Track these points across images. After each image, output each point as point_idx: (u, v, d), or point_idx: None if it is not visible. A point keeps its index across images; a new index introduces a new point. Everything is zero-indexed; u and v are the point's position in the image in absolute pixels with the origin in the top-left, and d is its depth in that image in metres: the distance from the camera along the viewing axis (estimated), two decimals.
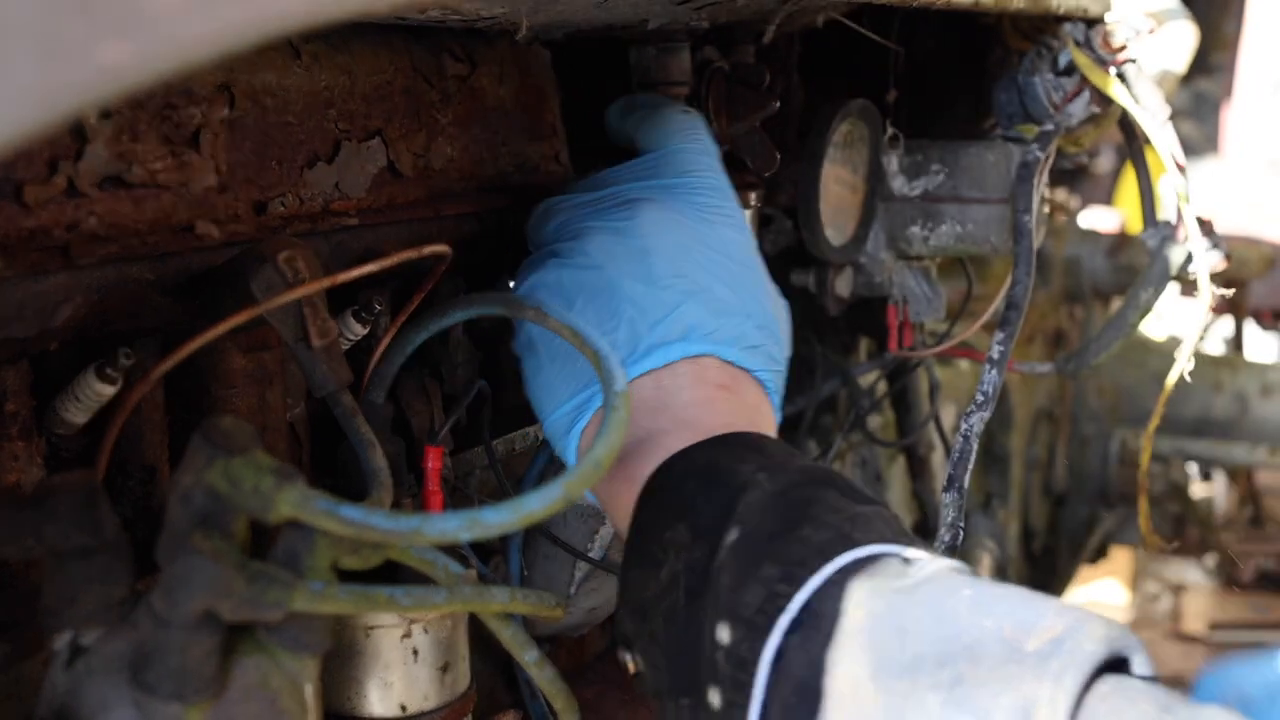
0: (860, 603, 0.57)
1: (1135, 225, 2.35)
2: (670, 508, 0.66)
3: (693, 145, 0.83)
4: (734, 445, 0.68)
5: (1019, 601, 0.57)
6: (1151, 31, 1.07)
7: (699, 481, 0.66)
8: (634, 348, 0.73)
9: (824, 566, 0.59)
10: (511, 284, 0.81)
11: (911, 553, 0.61)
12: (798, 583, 0.59)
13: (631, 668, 0.67)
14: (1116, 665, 0.55)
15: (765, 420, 0.76)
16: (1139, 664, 0.56)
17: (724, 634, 0.60)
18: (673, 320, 0.73)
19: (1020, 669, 0.53)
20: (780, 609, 0.58)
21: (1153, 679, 0.55)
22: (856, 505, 0.64)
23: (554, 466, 0.86)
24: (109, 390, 0.62)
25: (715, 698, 0.60)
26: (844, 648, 0.56)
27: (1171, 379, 1.09)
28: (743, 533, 0.62)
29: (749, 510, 0.63)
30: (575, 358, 0.73)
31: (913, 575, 0.58)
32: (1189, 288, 1.15)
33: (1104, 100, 1.08)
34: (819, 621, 0.57)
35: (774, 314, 0.80)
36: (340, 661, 0.64)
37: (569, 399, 0.74)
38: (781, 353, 0.79)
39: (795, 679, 0.57)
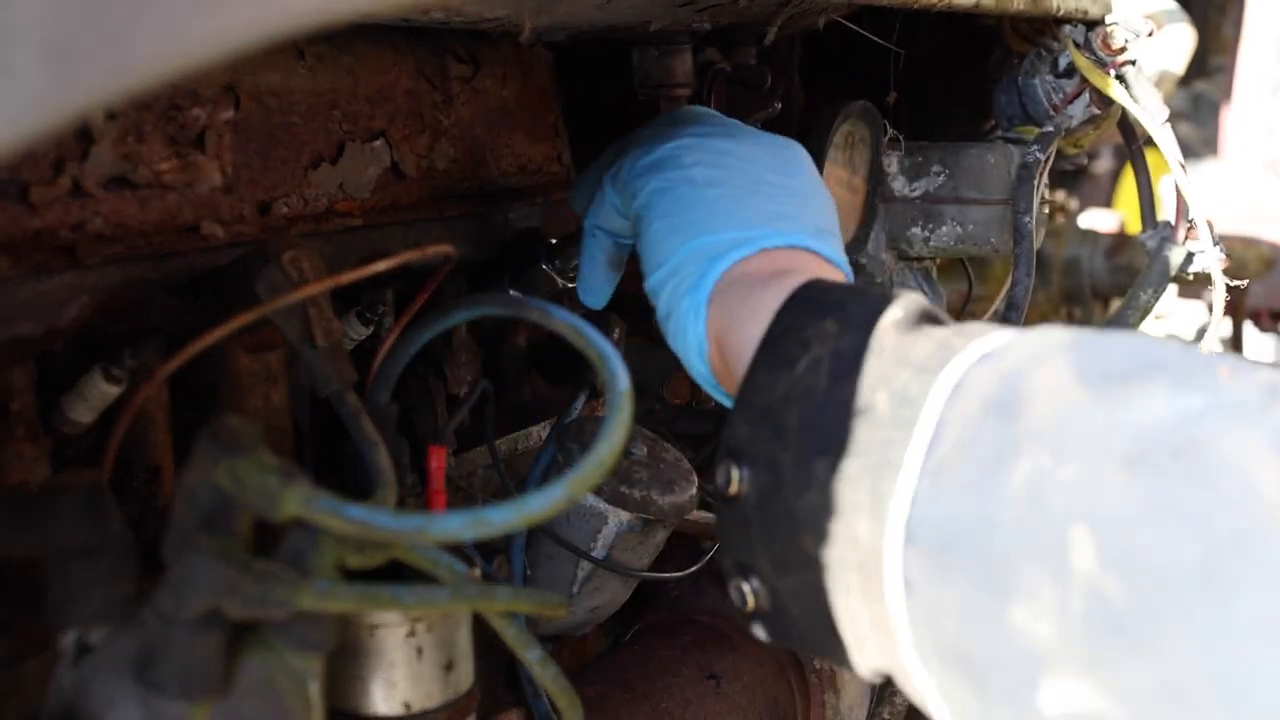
0: (1059, 331, 0.52)
1: (1134, 226, 2.36)
2: (817, 309, 0.61)
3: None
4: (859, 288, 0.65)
5: (1213, 356, 0.50)
6: (1151, 34, 1.08)
7: (850, 292, 0.62)
8: (782, 218, 0.72)
9: (1001, 331, 0.55)
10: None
11: None
12: (973, 337, 0.54)
13: (734, 487, 0.60)
14: None
15: None
16: None
17: (882, 381, 0.55)
18: (777, 213, 0.73)
19: (1248, 371, 0.47)
20: (957, 350, 0.54)
21: None
22: None
23: (556, 466, 0.87)
24: (114, 390, 0.62)
25: (866, 443, 0.54)
26: (1042, 358, 0.51)
27: None
28: (906, 314, 0.58)
29: (910, 302, 0.59)
30: (716, 200, 0.73)
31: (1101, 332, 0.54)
32: (1188, 288, 1.15)
33: (1104, 102, 1.08)
34: (1005, 352, 0.52)
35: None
36: (344, 660, 0.65)
37: (702, 236, 0.71)
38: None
39: (979, 397, 0.51)
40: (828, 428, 0.56)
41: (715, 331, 0.69)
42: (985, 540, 0.49)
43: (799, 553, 0.57)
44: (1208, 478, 0.44)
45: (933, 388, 0.53)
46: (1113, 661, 0.44)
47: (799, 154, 0.80)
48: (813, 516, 0.56)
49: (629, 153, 0.78)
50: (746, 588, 0.61)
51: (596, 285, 0.85)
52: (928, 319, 0.59)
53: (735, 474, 0.60)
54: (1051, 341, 0.52)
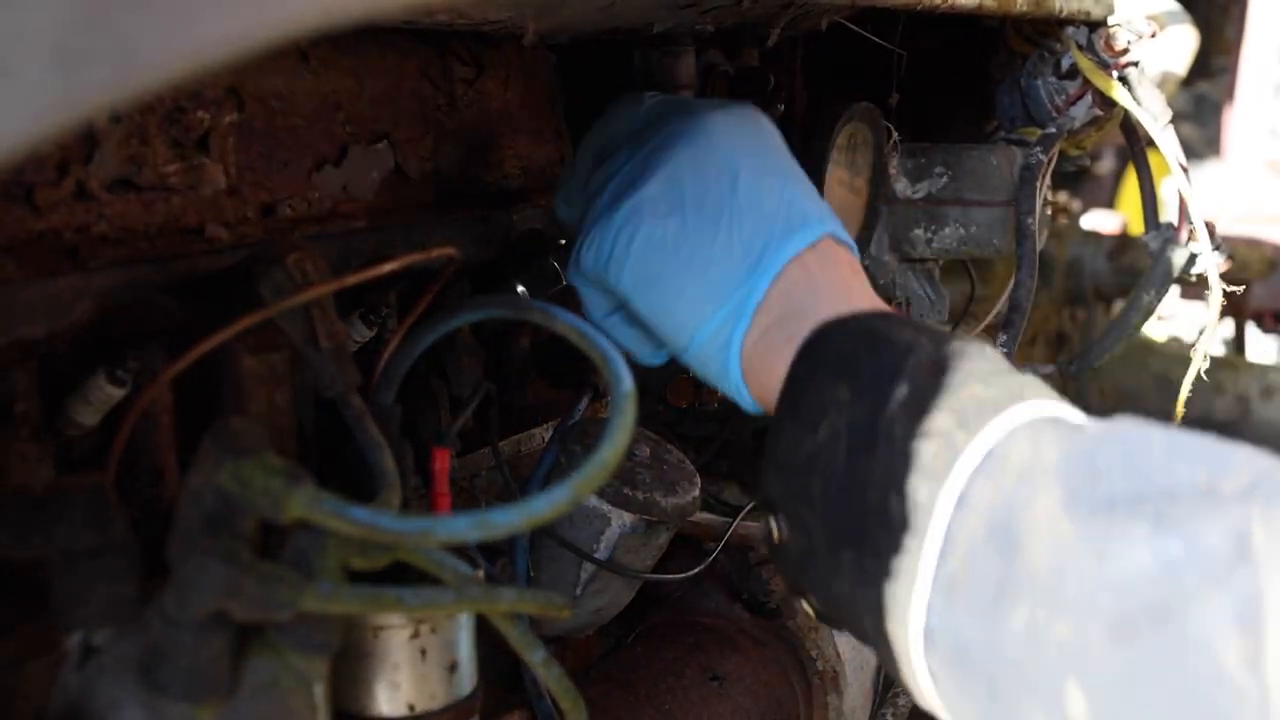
0: (1051, 443, 0.56)
1: (1137, 227, 2.36)
2: (830, 367, 0.64)
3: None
4: (888, 316, 0.67)
5: (1211, 447, 0.55)
6: (1153, 35, 1.08)
7: (860, 344, 0.64)
8: (769, 236, 0.72)
9: (1003, 413, 0.58)
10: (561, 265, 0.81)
11: (1082, 418, 0.60)
12: (975, 430, 0.57)
13: (776, 535, 0.66)
14: None
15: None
16: None
17: (896, 483, 0.59)
18: (793, 207, 0.73)
19: (1222, 505, 0.51)
20: (959, 452, 0.57)
21: None
22: (1018, 370, 0.63)
23: (559, 467, 0.87)
24: (119, 392, 0.62)
25: (885, 545, 0.58)
26: (1037, 484, 0.54)
27: (1188, 381, 1.09)
28: (913, 389, 0.61)
29: (916, 369, 0.61)
30: (704, 263, 0.72)
31: (1099, 424, 0.57)
32: (1191, 289, 1.15)
33: (1106, 103, 1.08)
34: (1004, 464, 0.56)
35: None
36: (348, 661, 0.65)
37: (716, 310, 0.72)
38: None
39: (983, 516, 0.56)
40: (850, 513, 0.61)
41: (750, 376, 0.73)
42: (993, 667, 0.55)
43: (842, 616, 0.65)
44: (1182, 655, 0.49)
45: (938, 499, 0.57)
46: None
47: (757, 122, 0.78)
48: (847, 601, 0.62)
49: (586, 233, 0.75)
50: (805, 604, 0.68)
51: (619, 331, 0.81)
52: (932, 383, 0.61)
53: (774, 523, 0.66)
54: (1044, 459, 0.56)
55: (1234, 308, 3.59)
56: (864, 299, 0.73)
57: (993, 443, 0.57)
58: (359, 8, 0.39)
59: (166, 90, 0.34)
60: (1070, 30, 1.07)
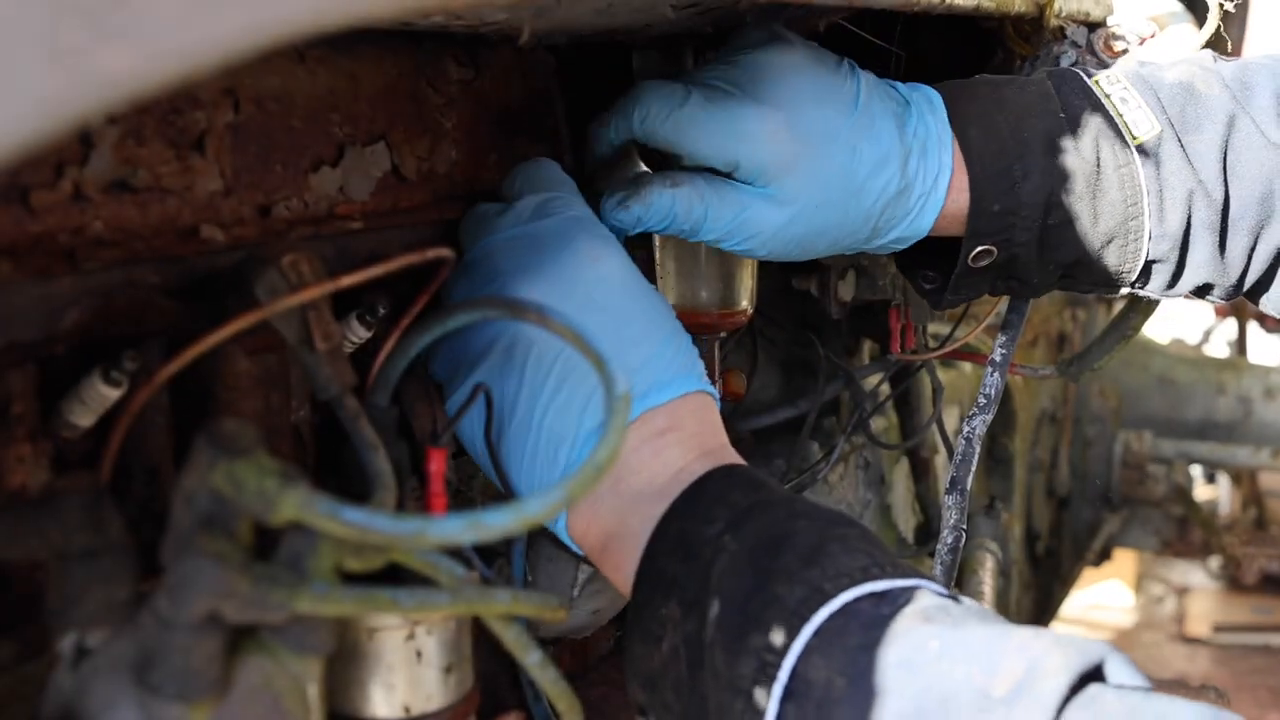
0: (839, 669, 0.61)
1: None
2: (660, 588, 0.70)
3: (551, 192, 0.84)
4: (698, 502, 0.72)
5: (981, 644, 0.59)
6: (1153, 35, 1.07)
7: (677, 558, 0.70)
8: (574, 438, 0.75)
9: (802, 629, 0.63)
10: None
11: (881, 585, 0.64)
12: (782, 652, 0.63)
13: None
14: (1094, 676, 0.58)
15: (708, 426, 0.79)
16: (1114, 668, 0.58)
17: (727, 705, 0.64)
18: (594, 395, 0.76)
19: (992, 717, 0.56)
20: (773, 678, 0.63)
21: (1132, 683, 0.58)
22: (825, 534, 0.67)
23: None
24: (114, 393, 0.62)
25: None
26: (832, 715, 0.60)
27: None
28: (723, 603, 0.66)
29: (724, 577, 0.67)
30: (538, 433, 0.75)
31: (882, 627, 0.62)
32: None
33: None
34: (809, 689, 0.62)
35: (670, 315, 0.81)
36: (344, 663, 0.65)
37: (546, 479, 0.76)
38: (693, 350, 0.81)
39: None
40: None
41: (572, 530, 0.78)
42: None
43: None
44: None
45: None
46: None
47: (596, 262, 0.79)
48: None
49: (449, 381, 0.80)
50: None
51: None
52: (741, 588, 0.66)
53: None
54: (836, 686, 0.61)
55: (1236, 309, 3.58)
56: (674, 463, 0.76)
57: (795, 661, 0.62)
58: (353, 9, 0.39)
59: (162, 91, 0.34)
60: (1069, 30, 1.07)
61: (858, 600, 0.64)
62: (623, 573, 0.74)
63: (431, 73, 0.83)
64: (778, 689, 0.62)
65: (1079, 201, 0.90)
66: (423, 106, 0.82)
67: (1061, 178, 0.89)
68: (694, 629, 0.67)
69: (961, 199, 0.90)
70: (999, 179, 0.89)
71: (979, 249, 0.91)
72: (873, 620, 0.62)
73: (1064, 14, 1.06)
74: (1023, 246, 0.91)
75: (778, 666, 0.62)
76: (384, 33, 0.80)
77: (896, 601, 0.63)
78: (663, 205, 0.84)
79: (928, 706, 0.58)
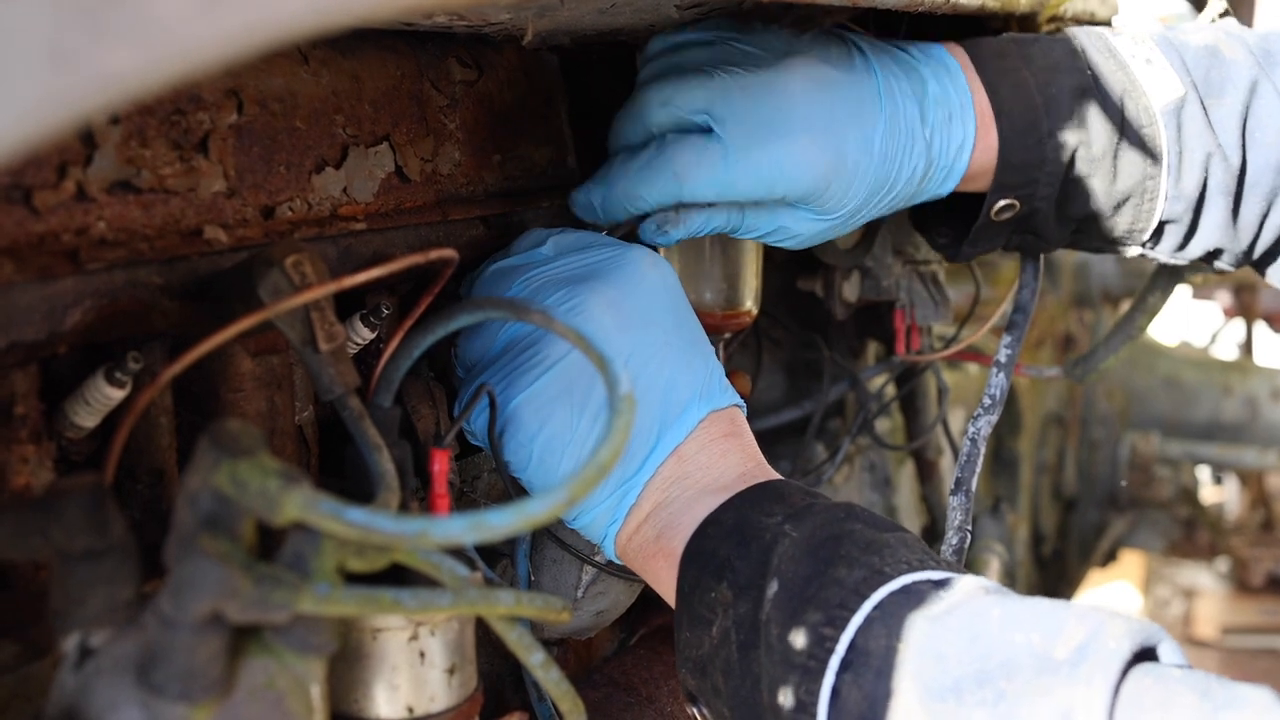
0: (901, 635, 0.61)
1: None
2: (711, 570, 0.71)
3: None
4: (757, 499, 0.73)
5: (1044, 612, 0.60)
6: None
7: (733, 542, 0.71)
8: (647, 433, 0.77)
9: (862, 605, 0.64)
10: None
11: (939, 575, 0.65)
12: (841, 625, 0.63)
13: None
14: (1146, 656, 0.58)
15: (752, 436, 0.82)
16: (1167, 651, 0.59)
17: (781, 680, 0.65)
18: (670, 396, 0.77)
19: (1054, 678, 0.56)
20: (830, 651, 0.63)
21: (1185, 665, 0.58)
22: (881, 533, 0.68)
23: None
24: (118, 394, 0.62)
25: None
26: (893, 680, 0.61)
27: None
28: (782, 583, 0.67)
29: (784, 561, 0.67)
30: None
31: (944, 600, 0.63)
32: (1200, 290, 1.15)
33: None
34: (867, 659, 0.62)
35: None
36: (347, 663, 0.65)
37: (594, 505, 0.77)
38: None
39: (853, 714, 0.62)
40: (751, 705, 0.67)
41: (624, 558, 0.79)
42: None
43: None
44: None
45: (819, 699, 0.63)
46: None
47: (639, 287, 0.79)
48: None
49: (468, 394, 0.79)
50: None
51: None
52: (801, 572, 0.67)
53: (696, 713, 0.74)
54: (897, 654, 0.62)
55: (1244, 310, 3.58)
56: (737, 467, 0.77)
57: (854, 633, 0.63)
58: (355, 9, 0.39)
59: (165, 91, 0.34)
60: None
61: (917, 583, 0.65)
62: (674, 560, 0.74)
63: (435, 74, 0.83)
64: (835, 660, 0.63)
65: (1102, 159, 0.91)
66: (426, 107, 0.82)
67: (1087, 135, 0.90)
68: (748, 610, 0.68)
69: (984, 157, 0.91)
70: (1026, 133, 0.90)
71: (1002, 203, 0.92)
72: (934, 596, 0.63)
73: (1070, 14, 1.06)
74: (1044, 200, 0.92)
75: (836, 640, 0.63)
76: (387, 34, 0.80)
77: (956, 588, 0.64)
78: (699, 223, 0.86)
79: (989, 669, 0.58)
